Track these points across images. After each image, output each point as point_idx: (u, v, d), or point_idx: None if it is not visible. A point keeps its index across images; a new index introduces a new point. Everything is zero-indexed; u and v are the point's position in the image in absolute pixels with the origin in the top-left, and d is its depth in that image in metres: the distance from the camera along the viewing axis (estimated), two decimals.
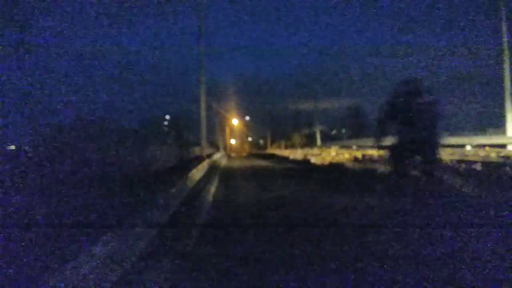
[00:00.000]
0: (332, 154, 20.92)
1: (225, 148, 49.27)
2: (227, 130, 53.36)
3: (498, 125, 20.92)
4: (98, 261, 1.95)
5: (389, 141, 4.53)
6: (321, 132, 52.13)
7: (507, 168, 7.57)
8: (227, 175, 11.71)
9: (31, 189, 4.29)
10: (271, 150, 47.54)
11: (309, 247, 3.15)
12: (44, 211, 3.58)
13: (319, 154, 21.62)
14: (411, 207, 4.18)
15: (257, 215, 4.82)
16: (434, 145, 4.21)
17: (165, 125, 58.54)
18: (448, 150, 16.72)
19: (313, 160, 17.06)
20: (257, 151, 51.46)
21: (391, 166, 4.71)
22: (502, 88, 19.75)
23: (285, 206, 5.45)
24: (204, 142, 17.44)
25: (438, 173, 4.89)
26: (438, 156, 4.29)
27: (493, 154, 12.60)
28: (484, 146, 17.60)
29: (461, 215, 3.99)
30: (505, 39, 19.67)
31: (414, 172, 4.48)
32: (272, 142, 67.78)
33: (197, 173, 8.24)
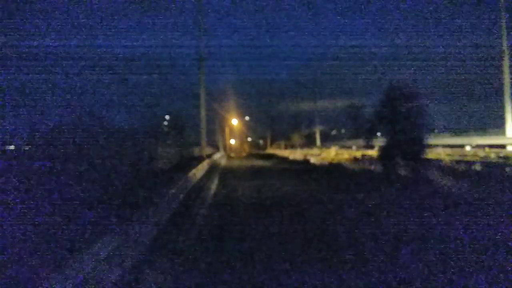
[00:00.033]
0: (332, 154, 20.93)
1: (224, 148, 49.24)
2: (227, 130, 53.35)
3: (498, 125, 20.92)
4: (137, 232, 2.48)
5: (379, 141, 4.71)
6: (321, 132, 52.05)
7: (497, 168, 7.82)
8: (227, 175, 11.71)
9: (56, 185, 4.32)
10: (271, 150, 47.54)
11: (302, 236, 3.16)
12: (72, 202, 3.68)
13: (319, 154, 21.63)
14: (396, 201, 4.65)
15: (255, 213, 4.82)
16: (420, 146, 4.42)
17: (165, 125, 58.55)
18: (448, 150, 16.74)
19: (312, 160, 17.07)
20: (257, 151, 51.44)
21: (382, 165, 4.97)
22: (502, 89, 19.75)
23: (283, 203, 5.50)
24: (204, 142, 17.45)
25: (425, 171, 5.23)
26: (424, 155, 4.52)
27: (492, 155, 12.60)
28: (483, 146, 17.60)
29: (436, 206, 4.38)
30: (505, 40, 19.68)
31: (403, 170, 4.70)
32: (272, 142, 67.72)
33: (198, 173, 8.23)
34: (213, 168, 13.83)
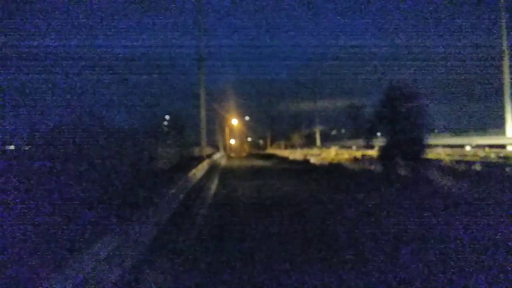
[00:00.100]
0: (332, 154, 20.93)
1: (224, 148, 49.23)
2: (227, 130, 53.34)
3: (498, 125, 20.92)
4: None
5: (379, 141, 4.74)
6: (321, 132, 52.04)
7: (497, 168, 7.92)
8: (227, 175, 11.71)
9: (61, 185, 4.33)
10: (271, 150, 47.53)
11: (302, 236, 3.17)
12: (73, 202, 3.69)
13: (319, 154, 21.63)
14: (396, 200, 4.69)
15: (255, 213, 4.83)
16: (420, 146, 4.45)
17: (165, 125, 58.52)
18: (448, 150, 16.74)
19: (312, 160, 17.07)
20: (257, 151, 51.43)
21: (382, 165, 5.02)
22: (502, 89, 19.75)
23: (283, 203, 5.52)
24: (204, 142, 17.45)
25: (424, 171, 5.28)
26: (423, 155, 4.55)
27: (492, 155, 12.60)
28: (483, 146, 17.60)
29: (435, 206, 4.44)
30: (505, 40, 19.69)
31: (403, 170, 4.74)
32: (272, 142, 67.71)
33: (197, 173, 8.24)
34: (213, 168, 13.83)
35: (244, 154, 49.76)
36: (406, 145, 4.40)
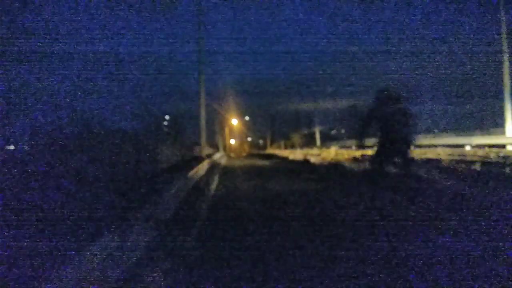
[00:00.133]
0: (332, 154, 20.96)
1: (224, 148, 49.30)
2: (227, 130, 53.42)
3: (498, 125, 20.95)
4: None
5: (371, 142, 5.03)
6: (320, 132, 52.15)
7: (494, 167, 8.17)
8: (227, 175, 11.75)
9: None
10: (271, 150, 47.56)
11: (302, 235, 3.19)
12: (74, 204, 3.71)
13: (319, 154, 21.66)
14: (390, 198, 4.96)
15: (256, 213, 4.85)
16: (406, 145, 4.81)
17: (164, 125, 58.61)
18: (448, 150, 16.77)
19: (312, 160, 17.08)
20: (257, 151, 51.46)
21: (375, 165, 5.33)
22: (502, 89, 19.78)
23: (281, 201, 5.60)
24: (203, 142, 17.46)
25: (414, 170, 5.74)
26: (410, 154, 4.95)
27: (492, 154, 12.63)
28: (483, 146, 17.64)
29: (420, 202, 4.78)
30: (504, 39, 19.70)
31: (394, 169, 5.02)
32: (272, 142, 67.81)
33: (197, 173, 8.24)
34: (213, 168, 13.84)
35: (244, 154, 49.79)
36: (393, 145, 4.71)
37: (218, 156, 23.33)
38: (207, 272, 2.65)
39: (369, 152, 5.49)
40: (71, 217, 3.30)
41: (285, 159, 22.78)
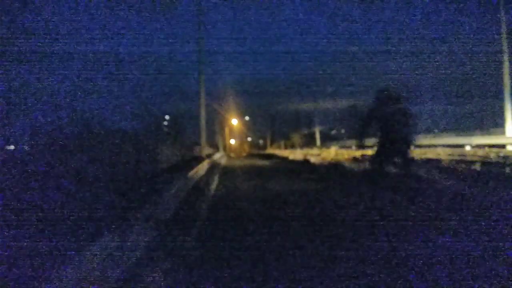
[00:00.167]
0: (332, 154, 20.96)
1: (224, 148, 49.29)
2: (227, 130, 53.42)
3: (498, 125, 20.95)
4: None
5: (371, 142, 5.07)
6: (320, 132, 52.15)
7: (494, 167, 8.26)
8: (227, 175, 11.75)
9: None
10: (271, 150, 47.55)
11: (302, 235, 3.19)
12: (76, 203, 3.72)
13: (319, 154, 21.65)
14: (390, 198, 5.01)
15: (256, 213, 4.85)
16: (406, 145, 4.84)
17: (164, 125, 58.61)
18: (448, 150, 16.77)
19: (312, 160, 17.08)
20: (257, 151, 51.45)
21: (375, 165, 5.39)
22: (502, 89, 19.77)
23: (281, 201, 5.61)
24: (203, 142, 17.46)
25: (414, 170, 5.81)
26: (410, 154, 4.97)
27: (492, 154, 12.63)
28: (483, 146, 17.64)
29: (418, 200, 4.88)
30: (504, 39, 19.70)
31: (394, 169, 5.04)
32: (272, 142, 67.79)
33: (197, 173, 8.25)
34: (213, 168, 13.84)
35: (244, 154, 49.78)
36: (393, 145, 4.74)
37: (218, 156, 23.33)
38: (207, 272, 2.65)
39: (369, 152, 5.51)
40: (71, 217, 3.30)
41: (285, 159, 22.78)
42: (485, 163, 10.18)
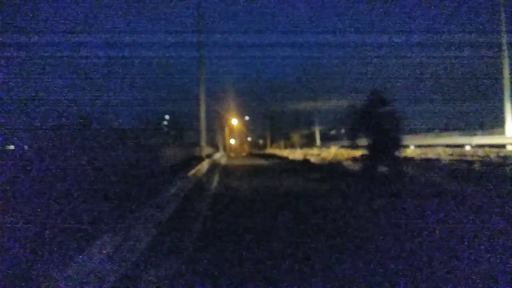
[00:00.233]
0: (332, 153, 20.95)
1: (224, 148, 49.25)
2: (227, 130, 53.37)
3: (498, 125, 20.96)
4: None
5: (363, 142, 5.19)
6: (320, 132, 52.15)
7: (493, 166, 8.39)
8: (226, 175, 11.75)
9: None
10: (271, 150, 47.51)
11: (302, 235, 3.20)
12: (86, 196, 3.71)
13: (319, 154, 21.65)
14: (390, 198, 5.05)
15: (256, 213, 4.86)
16: (397, 146, 4.98)
17: (165, 125, 58.55)
18: (448, 149, 16.78)
19: (312, 159, 17.08)
20: (257, 151, 51.40)
21: (368, 165, 5.53)
22: (501, 88, 19.78)
23: (281, 201, 5.63)
24: (203, 142, 17.46)
25: (403, 168, 6.05)
26: (400, 154, 5.15)
27: (492, 154, 12.64)
28: (483, 146, 17.64)
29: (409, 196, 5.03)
30: (505, 39, 19.71)
31: (384, 169, 5.19)
32: (272, 142, 67.74)
33: (197, 172, 8.25)
34: (213, 168, 13.84)
35: (244, 154, 49.74)
36: (383, 145, 4.88)
37: (218, 156, 23.32)
38: (207, 272, 2.65)
39: (365, 152, 5.58)
40: (71, 217, 3.31)
41: (285, 159, 22.78)
42: (485, 163, 10.18)
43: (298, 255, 3.00)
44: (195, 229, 4.03)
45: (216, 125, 46.44)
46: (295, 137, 61.57)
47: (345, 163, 12.45)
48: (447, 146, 19.56)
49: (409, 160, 12.34)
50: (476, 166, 9.01)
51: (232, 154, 46.31)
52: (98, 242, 2.08)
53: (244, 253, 3.09)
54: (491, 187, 5.79)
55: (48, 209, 3.67)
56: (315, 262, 2.81)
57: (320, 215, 4.63)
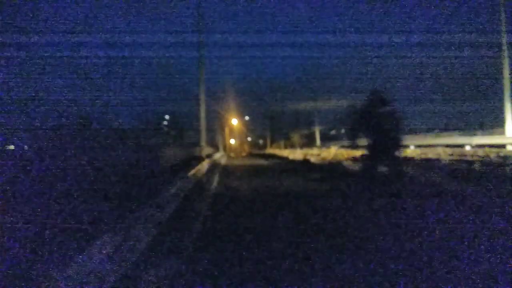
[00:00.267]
0: (332, 153, 20.94)
1: (224, 148, 49.25)
2: (227, 130, 53.36)
3: (498, 125, 20.96)
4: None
5: (363, 142, 5.22)
6: (320, 132, 52.15)
7: (491, 166, 8.44)
8: (226, 175, 11.75)
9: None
10: (271, 150, 47.50)
11: (302, 235, 3.20)
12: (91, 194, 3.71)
13: (319, 154, 21.64)
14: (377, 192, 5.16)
15: (256, 213, 4.86)
16: (397, 146, 5.01)
17: (165, 125, 58.55)
18: (448, 149, 16.78)
19: (312, 159, 17.08)
20: (257, 151, 51.39)
21: (366, 163, 5.57)
22: (501, 88, 19.77)
23: (281, 201, 5.62)
24: (203, 142, 17.46)
25: (403, 169, 6.10)
26: (400, 154, 5.17)
27: (492, 154, 12.64)
28: (483, 146, 17.63)
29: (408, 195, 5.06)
30: (504, 39, 19.70)
31: (384, 169, 5.22)
32: (272, 142, 67.73)
33: (197, 172, 8.25)
34: (213, 168, 13.84)
35: (244, 154, 49.73)
36: (383, 145, 4.91)
37: (218, 156, 23.31)
38: (207, 272, 2.65)
39: (365, 152, 5.59)
40: (71, 217, 3.31)
41: (285, 159, 22.77)
42: (485, 162, 10.18)
43: (298, 255, 3.00)
44: (195, 229, 4.02)
45: (216, 125, 46.47)
46: (295, 137, 61.54)
47: (345, 163, 12.44)
48: (447, 146, 19.56)
49: (409, 160, 12.34)
50: (476, 166, 9.01)
51: (232, 154, 46.30)
52: (98, 242, 2.08)
53: (244, 253, 3.09)
54: (491, 187, 5.79)
55: (48, 209, 3.67)
56: (315, 262, 2.81)
57: (320, 215, 4.63)
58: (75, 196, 4.32)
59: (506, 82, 19.47)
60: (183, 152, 16.34)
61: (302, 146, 48.28)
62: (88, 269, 1.86)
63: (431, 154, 15.26)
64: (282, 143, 60.93)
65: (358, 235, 3.53)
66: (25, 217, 3.36)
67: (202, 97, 17.14)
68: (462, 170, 8.34)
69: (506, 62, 19.57)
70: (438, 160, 12.19)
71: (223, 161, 23.63)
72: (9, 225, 3.09)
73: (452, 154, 14.39)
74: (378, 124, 4.88)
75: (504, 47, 19.65)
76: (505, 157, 11.25)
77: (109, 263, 2.09)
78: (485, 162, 9.94)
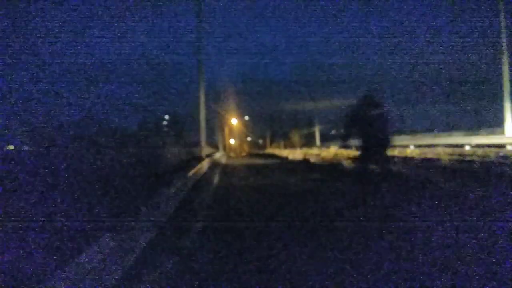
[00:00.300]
0: (331, 153, 20.95)
1: (224, 148, 49.26)
2: (226, 130, 53.36)
3: (498, 125, 20.96)
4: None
5: (354, 143, 5.36)
6: (320, 132, 52.14)
7: (491, 166, 8.51)
8: (226, 175, 11.76)
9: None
10: (271, 150, 47.51)
11: (303, 234, 3.20)
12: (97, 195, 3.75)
13: (318, 154, 21.64)
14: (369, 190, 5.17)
15: (254, 211, 4.86)
16: (386, 147, 5.19)
17: (164, 125, 58.55)
18: (448, 149, 16.79)
19: (312, 159, 17.09)
20: (257, 151, 51.40)
21: (360, 164, 5.70)
22: (501, 89, 19.77)
23: (281, 201, 5.60)
24: (204, 142, 17.45)
25: (393, 168, 6.45)
26: (389, 154, 5.37)
27: (492, 154, 12.64)
28: (483, 146, 17.63)
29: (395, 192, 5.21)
30: (504, 39, 19.69)
31: (376, 168, 5.30)
32: (272, 142, 67.76)
33: (197, 172, 8.25)
34: (213, 167, 13.85)
35: (244, 153, 49.79)
36: (373, 146, 5.09)
37: (218, 156, 23.32)
38: (207, 272, 2.65)
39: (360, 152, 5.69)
40: (71, 217, 3.30)
41: (284, 159, 22.78)
42: (484, 162, 10.18)
43: (298, 255, 3.00)
44: (195, 229, 4.02)
45: (216, 125, 46.43)
46: (295, 137, 61.59)
47: (345, 163, 12.45)
48: (447, 146, 19.56)
49: (409, 160, 12.35)
50: (476, 166, 9.03)
51: (232, 154, 46.33)
52: (98, 242, 2.08)
53: (244, 253, 3.09)
54: (491, 187, 5.80)
55: (48, 209, 3.67)
56: (315, 262, 2.81)
57: (320, 215, 4.64)
58: (75, 196, 4.32)
59: (506, 82, 19.47)
60: (183, 152, 16.32)
61: (301, 146, 48.29)
62: (88, 269, 1.86)
63: (430, 154, 15.26)
64: (281, 143, 60.96)
65: (358, 235, 3.53)
66: (25, 217, 3.36)
67: (202, 97, 17.13)
68: (462, 169, 8.35)
69: (506, 62, 19.57)
70: (437, 160, 12.20)
71: (223, 161, 23.64)
72: (9, 225, 3.09)
73: (451, 154, 14.39)
74: (368, 125, 5.06)
75: (504, 47, 19.65)
76: (505, 157, 11.25)
77: (109, 263, 2.09)
78: (485, 162, 9.95)
